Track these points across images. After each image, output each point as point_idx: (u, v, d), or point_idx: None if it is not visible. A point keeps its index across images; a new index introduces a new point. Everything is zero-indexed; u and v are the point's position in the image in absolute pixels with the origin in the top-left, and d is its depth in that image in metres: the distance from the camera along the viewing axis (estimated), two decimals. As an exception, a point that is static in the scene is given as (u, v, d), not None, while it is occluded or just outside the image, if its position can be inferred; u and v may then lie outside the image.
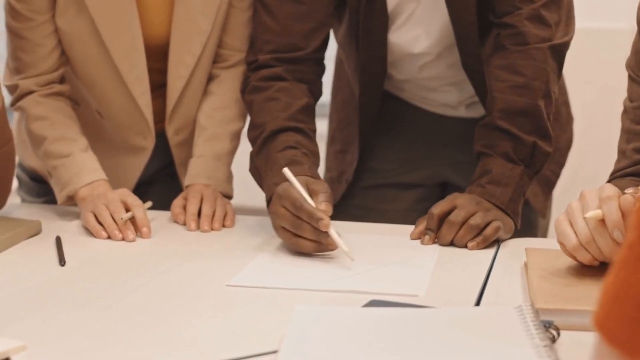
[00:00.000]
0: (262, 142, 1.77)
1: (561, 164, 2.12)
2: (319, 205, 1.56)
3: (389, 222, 1.84)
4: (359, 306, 1.30)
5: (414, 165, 2.10)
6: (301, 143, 1.75)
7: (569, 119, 2.14)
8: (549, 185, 2.09)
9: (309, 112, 1.84)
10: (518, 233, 1.75)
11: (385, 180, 2.11)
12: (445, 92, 2.03)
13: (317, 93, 1.90)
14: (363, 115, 2.01)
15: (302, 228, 1.55)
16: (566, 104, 2.13)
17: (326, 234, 1.53)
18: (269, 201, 1.66)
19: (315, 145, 1.80)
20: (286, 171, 1.61)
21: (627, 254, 0.80)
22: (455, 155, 2.06)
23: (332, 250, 1.56)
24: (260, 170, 1.76)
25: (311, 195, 1.59)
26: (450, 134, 2.07)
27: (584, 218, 1.35)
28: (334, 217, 2.11)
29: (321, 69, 1.93)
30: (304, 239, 1.56)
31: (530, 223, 2.03)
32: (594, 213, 1.34)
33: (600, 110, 3.11)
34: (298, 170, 1.64)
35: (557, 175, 2.11)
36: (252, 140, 1.81)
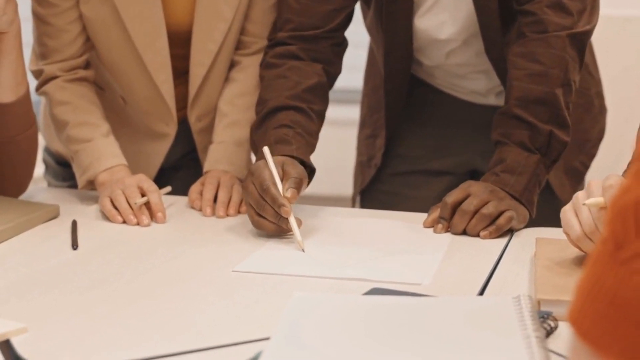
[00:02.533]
0: (262, 118, 1.80)
1: (591, 155, 2.10)
2: (285, 191, 1.60)
3: (417, 209, 1.84)
4: (361, 294, 1.30)
5: (444, 153, 2.09)
6: (298, 122, 1.77)
7: (602, 110, 2.12)
8: (577, 176, 2.07)
9: (317, 92, 1.85)
10: (545, 223, 1.74)
11: (414, 167, 2.11)
12: (474, 80, 2.02)
13: (333, 72, 1.91)
14: (389, 100, 2.02)
15: (264, 209, 1.60)
16: (599, 95, 2.11)
17: (286, 219, 1.58)
18: None
19: (316, 124, 1.82)
20: (265, 150, 1.66)
21: (600, 249, 0.80)
22: (485, 144, 2.04)
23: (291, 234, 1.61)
24: (257, 145, 1.78)
25: (283, 178, 1.63)
26: (480, 121, 2.05)
27: (584, 204, 1.34)
28: (363, 201, 2.14)
29: (341, 48, 1.94)
30: (266, 220, 1.61)
31: (558, 213, 2.02)
32: (594, 200, 1.34)
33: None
34: (284, 150, 1.69)
35: (586, 167, 2.09)
36: (256, 114, 1.84)
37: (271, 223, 1.61)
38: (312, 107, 1.82)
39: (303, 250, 1.55)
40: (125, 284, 1.41)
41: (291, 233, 1.60)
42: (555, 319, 1.19)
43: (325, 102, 1.87)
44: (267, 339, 1.13)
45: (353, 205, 2.20)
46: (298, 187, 1.61)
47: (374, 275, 1.42)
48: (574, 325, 0.81)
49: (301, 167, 1.67)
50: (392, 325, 1.14)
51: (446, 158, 2.09)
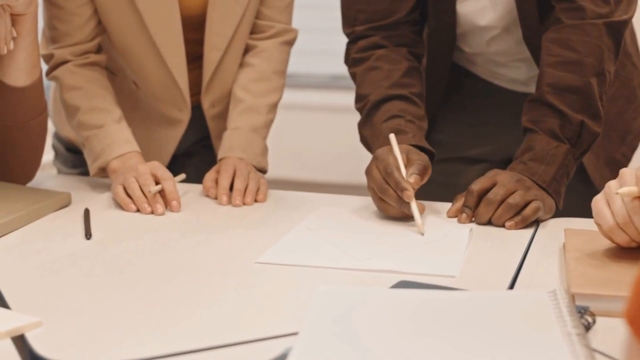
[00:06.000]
0: (367, 114, 1.81)
1: (633, 148, 2.06)
2: (409, 176, 1.61)
3: (452, 196, 1.78)
4: (388, 286, 1.26)
5: (481, 141, 2.05)
6: (405, 110, 1.78)
7: None
8: (618, 168, 2.00)
9: (412, 75, 1.85)
10: (583, 216, 1.67)
11: (451, 154, 2.07)
12: (515, 68, 1.98)
13: (418, 53, 1.92)
14: (430, 85, 1.99)
15: (386, 193, 1.62)
16: None
17: (408, 204, 1.59)
18: None
19: (421, 108, 1.82)
20: (391, 137, 1.67)
21: None
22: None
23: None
24: (368, 141, 1.80)
25: (407, 165, 1.64)
26: (519, 109, 1.99)
27: (617, 194, 1.30)
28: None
29: (420, 27, 1.94)
30: (389, 204, 1.62)
31: None
32: (627, 189, 1.30)
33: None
34: (402, 139, 1.69)
35: (628, 159, 2.04)
36: (359, 111, 1.85)
37: (393, 206, 1.62)
38: (412, 91, 1.82)
39: (422, 234, 1.56)
40: (141, 276, 1.36)
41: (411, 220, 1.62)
42: (592, 314, 1.14)
43: (421, 83, 1.88)
44: (294, 334, 1.08)
45: None
46: (422, 173, 1.64)
47: (403, 267, 1.38)
48: (631, 325, 0.77)
49: (425, 155, 1.68)
50: (427, 320, 1.09)
51: (483, 146, 2.04)
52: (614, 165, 2.00)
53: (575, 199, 1.73)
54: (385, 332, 1.06)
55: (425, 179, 1.66)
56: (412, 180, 1.61)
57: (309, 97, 3.72)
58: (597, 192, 1.92)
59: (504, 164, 2.02)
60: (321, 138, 3.73)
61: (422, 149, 1.72)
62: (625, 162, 2.03)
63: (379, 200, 1.64)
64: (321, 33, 3.25)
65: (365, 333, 1.05)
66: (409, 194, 1.59)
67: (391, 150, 1.65)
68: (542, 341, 1.02)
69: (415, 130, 1.74)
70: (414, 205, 1.59)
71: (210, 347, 1.07)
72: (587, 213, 1.69)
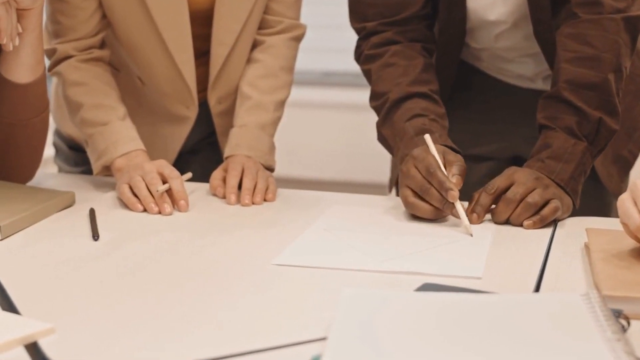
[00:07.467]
0: (387, 112, 1.76)
1: None
2: (451, 177, 1.58)
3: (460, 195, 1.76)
4: (411, 289, 1.21)
5: (488, 138, 2.02)
6: (427, 109, 1.74)
7: None
8: (626, 166, 1.99)
9: (429, 71, 1.82)
10: (590, 214, 1.66)
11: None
12: (522, 64, 1.95)
13: (431, 48, 1.89)
14: (438, 80, 1.94)
15: (428, 193, 1.58)
16: None
17: (452, 204, 1.56)
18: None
19: (441, 106, 1.78)
20: (427, 138, 1.63)
21: None
22: (530, 129, 1.96)
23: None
24: (389, 140, 1.76)
25: (445, 165, 1.61)
26: (526, 106, 1.97)
27: None
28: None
29: (432, 21, 1.90)
30: (425, 203, 1.59)
31: (604, 203, 1.94)
32: None
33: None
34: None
35: (635, 156, 2.01)
36: (376, 109, 1.81)
37: (429, 206, 1.58)
38: (431, 88, 1.79)
39: (471, 235, 1.52)
40: (154, 279, 1.31)
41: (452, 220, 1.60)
42: (626, 318, 1.10)
43: (436, 79, 1.84)
44: (319, 339, 1.04)
45: (390, 190, 2.12)
46: (462, 174, 1.60)
47: (426, 269, 1.34)
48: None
49: (460, 156, 1.65)
50: (456, 325, 1.04)
51: (489, 144, 2.01)
52: (621, 163, 1.96)
53: (582, 196, 1.70)
54: (413, 338, 1.01)
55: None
56: (454, 180, 1.58)
57: (300, 94, 3.69)
58: (603, 189, 1.90)
59: (511, 161, 1.99)
60: (313, 135, 3.69)
61: (449, 148, 1.68)
62: (631, 158, 2.00)
63: (414, 197, 1.60)
64: (312, 30, 3.21)
65: (393, 339, 1.01)
66: (454, 194, 1.55)
67: (428, 150, 1.61)
68: (581, 348, 0.98)
69: (440, 129, 1.70)
70: (459, 205, 1.56)
71: (234, 355, 1.03)
72: (594, 210, 1.70)
